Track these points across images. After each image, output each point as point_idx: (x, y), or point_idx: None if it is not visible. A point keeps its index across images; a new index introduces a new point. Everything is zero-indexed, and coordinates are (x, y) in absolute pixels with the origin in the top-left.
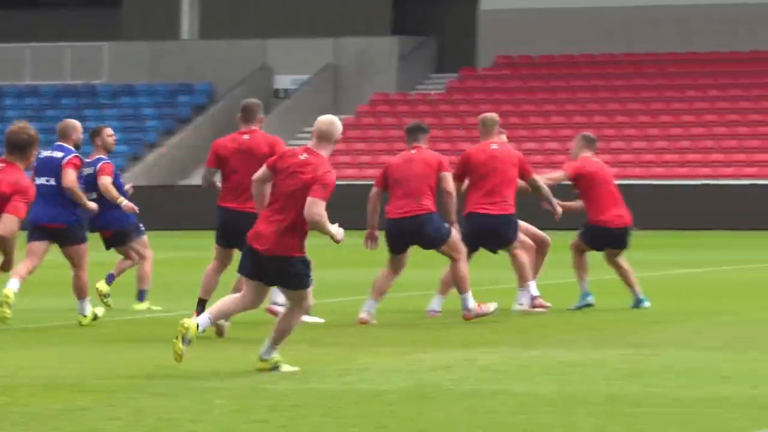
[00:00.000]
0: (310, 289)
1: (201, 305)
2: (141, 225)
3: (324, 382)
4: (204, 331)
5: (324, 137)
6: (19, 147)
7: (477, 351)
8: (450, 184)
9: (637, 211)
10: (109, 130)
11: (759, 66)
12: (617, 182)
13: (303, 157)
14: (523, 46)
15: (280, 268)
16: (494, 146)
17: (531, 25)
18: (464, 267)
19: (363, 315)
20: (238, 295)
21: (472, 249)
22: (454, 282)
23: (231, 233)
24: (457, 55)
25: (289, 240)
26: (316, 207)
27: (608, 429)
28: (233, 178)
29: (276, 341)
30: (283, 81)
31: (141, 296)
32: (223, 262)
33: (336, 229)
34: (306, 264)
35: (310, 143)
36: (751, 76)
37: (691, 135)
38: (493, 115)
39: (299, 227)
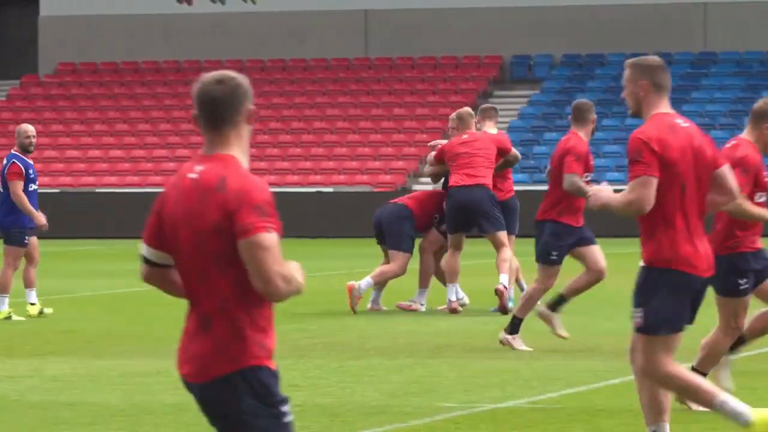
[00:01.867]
0: None
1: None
2: None
3: None
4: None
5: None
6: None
7: (45, 361)
8: None
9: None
10: None
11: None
12: None
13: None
14: (87, 53)
15: None
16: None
17: (94, 32)
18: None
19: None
20: None
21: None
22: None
23: None
24: (19, 62)
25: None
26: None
27: None
28: None
29: None
30: None
31: None
32: None
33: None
34: None
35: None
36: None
37: (282, 142)
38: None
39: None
